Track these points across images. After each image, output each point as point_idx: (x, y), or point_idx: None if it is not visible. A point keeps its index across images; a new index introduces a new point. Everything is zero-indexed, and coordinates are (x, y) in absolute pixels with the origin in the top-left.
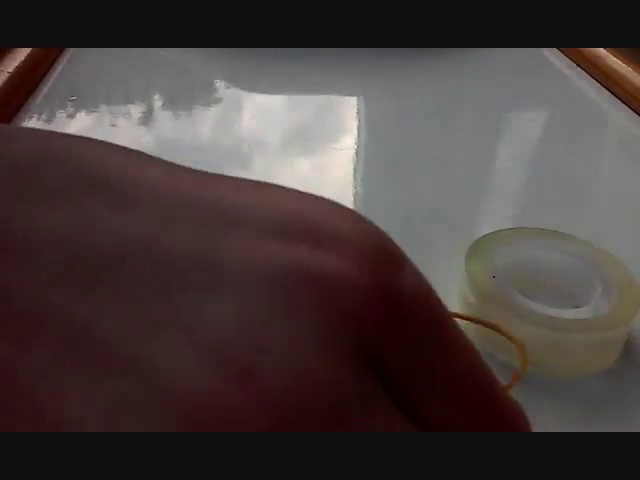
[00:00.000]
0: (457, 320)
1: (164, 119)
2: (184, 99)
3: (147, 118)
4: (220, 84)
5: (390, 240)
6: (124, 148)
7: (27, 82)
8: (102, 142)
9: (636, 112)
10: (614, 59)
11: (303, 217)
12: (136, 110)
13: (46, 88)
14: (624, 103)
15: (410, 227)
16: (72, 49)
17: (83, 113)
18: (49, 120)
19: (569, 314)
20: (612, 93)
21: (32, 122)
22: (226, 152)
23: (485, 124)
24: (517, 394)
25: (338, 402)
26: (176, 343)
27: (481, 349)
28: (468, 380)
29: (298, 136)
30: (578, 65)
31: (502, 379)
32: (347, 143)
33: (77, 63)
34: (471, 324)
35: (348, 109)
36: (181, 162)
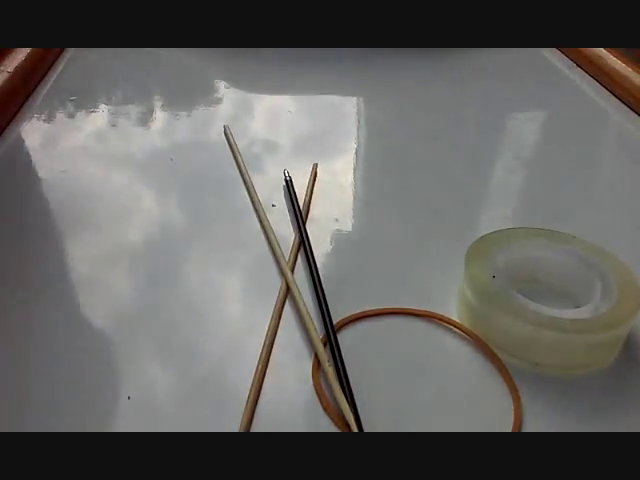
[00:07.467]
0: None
1: (164, 119)
2: (184, 99)
3: (147, 118)
4: (220, 84)
5: None
6: None
7: (27, 82)
8: None
9: (636, 112)
10: (614, 59)
11: None
12: (136, 110)
13: (46, 88)
14: (624, 103)
15: (410, 227)
16: (72, 49)
17: (83, 113)
18: (49, 120)
19: (569, 314)
20: (612, 93)
21: (32, 122)
22: (226, 151)
23: (485, 124)
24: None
25: None
26: None
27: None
28: None
29: (298, 136)
30: (578, 65)
31: (501, 378)
32: (347, 143)
33: (77, 63)
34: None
35: (348, 109)
36: (182, 161)
